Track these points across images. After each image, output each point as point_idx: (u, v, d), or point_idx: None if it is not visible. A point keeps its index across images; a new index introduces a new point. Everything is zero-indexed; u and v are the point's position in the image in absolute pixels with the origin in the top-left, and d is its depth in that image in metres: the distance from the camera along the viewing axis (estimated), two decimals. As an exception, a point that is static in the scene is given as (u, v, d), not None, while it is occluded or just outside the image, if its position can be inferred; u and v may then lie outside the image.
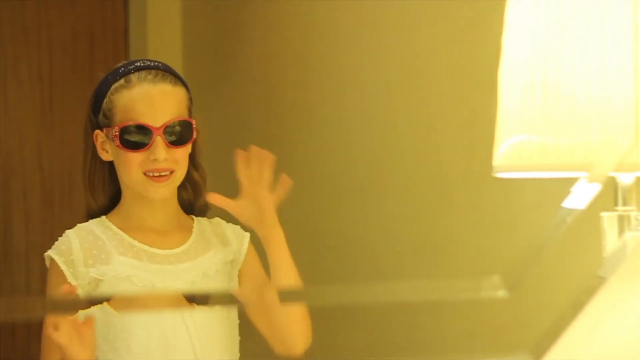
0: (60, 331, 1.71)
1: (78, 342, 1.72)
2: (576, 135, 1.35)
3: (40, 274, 1.97)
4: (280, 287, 1.87)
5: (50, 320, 1.72)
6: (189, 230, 1.95)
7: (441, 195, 2.39)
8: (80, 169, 1.95)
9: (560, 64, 1.37)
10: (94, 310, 1.80)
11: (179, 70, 1.97)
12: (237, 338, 1.97)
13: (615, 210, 1.42)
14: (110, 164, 1.92)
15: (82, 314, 1.76)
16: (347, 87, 2.78)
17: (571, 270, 1.69)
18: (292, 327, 1.91)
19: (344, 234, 2.79)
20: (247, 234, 1.97)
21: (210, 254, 1.93)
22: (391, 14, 2.57)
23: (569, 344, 1.19)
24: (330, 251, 2.82)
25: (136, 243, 1.90)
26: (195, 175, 1.95)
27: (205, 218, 1.99)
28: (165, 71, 1.91)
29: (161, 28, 3.87)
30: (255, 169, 1.85)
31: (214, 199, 1.90)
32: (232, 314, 1.95)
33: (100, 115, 1.90)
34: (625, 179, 1.42)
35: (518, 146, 1.40)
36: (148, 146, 1.86)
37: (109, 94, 1.89)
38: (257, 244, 1.95)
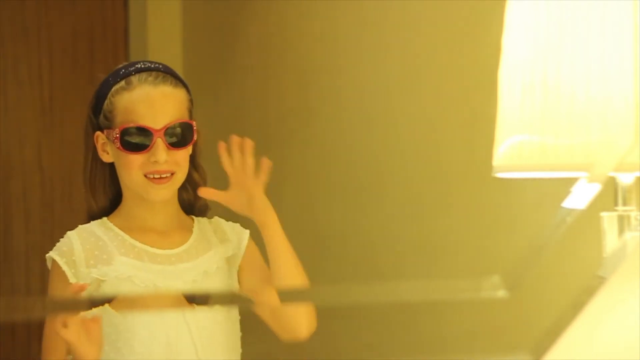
0: (69, 328, 1.72)
1: (86, 339, 1.73)
2: (576, 135, 1.35)
3: (40, 274, 1.97)
4: (280, 286, 1.87)
5: (59, 318, 1.73)
6: (189, 230, 1.96)
7: (441, 195, 2.39)
8: (81, 169, 1.95)
9: (560, 64, 1.37)
10: (95, 311, 1.80)
11: (179, 70, 1.97)
12: (239, 334, 1.97)
13: (615, 210, 1.42)
14: (111, 166, 1.92)
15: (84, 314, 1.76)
16: (347, 87, 2.78)
17: (571, 270, 1.69)
18: (296, 312, 1.91)
19: (344, 234, 2.78)
20: (247, 231, 1.98)
21: (210, 254, 1.93)
22: (391, 14, 2.57)
23: (569, 344, 1.19)
24: (330, 251, 2.82)
25: (137, 244, 1.90)
26: (196, 175, 1.95)
27: (205, 218, 1.99)
28: (166, 73, 1.91)
29: (161, 28, 3.86)
30: (237, 157, 1.87)
31: (205, 192, 1.92)
32: (233, 311, 1.95)
33: (101, 117, 1.91)
34: (625, 179, 1.42)
35: (518, 146, 1.40)
36: (149, 148, 1.86)
37: (109, 95, 1.89)
38: (259, 244, 1.95)
